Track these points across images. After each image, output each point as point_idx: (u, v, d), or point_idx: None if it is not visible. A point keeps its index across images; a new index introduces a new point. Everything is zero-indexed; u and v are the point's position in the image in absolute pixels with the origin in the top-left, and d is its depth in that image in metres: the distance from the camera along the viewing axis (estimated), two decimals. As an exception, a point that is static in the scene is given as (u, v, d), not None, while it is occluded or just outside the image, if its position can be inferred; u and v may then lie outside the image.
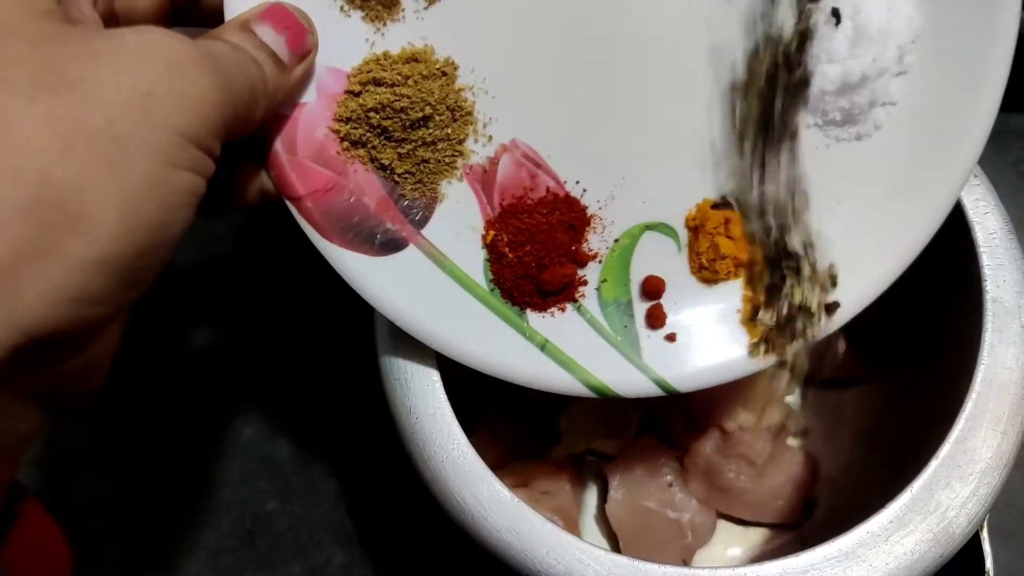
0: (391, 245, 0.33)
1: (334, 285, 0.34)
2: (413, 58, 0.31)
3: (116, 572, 0.47)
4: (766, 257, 0.35)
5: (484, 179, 0.34)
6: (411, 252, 0.33)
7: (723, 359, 0.35)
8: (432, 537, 0.46)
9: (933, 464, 0.33)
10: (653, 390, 0.34)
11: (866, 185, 0.34)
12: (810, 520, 0.45)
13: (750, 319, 0.35)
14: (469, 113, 0.33)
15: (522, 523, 0.33)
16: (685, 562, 0.44)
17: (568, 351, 0.34)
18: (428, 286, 0.33)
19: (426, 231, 0.33)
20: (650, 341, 0.35)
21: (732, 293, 0.35)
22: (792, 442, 0.45)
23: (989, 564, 0.35)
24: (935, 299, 0.41)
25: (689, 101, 0.33)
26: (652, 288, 0.35)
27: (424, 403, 0.35)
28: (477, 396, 0.48)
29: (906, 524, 0.32)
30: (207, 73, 0.24)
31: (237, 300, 0.55)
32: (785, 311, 0.34)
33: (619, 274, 0.35)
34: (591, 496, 0.47)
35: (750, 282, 0.35)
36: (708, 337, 0.35)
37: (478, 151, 0.33)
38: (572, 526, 0.44)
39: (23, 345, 0.20)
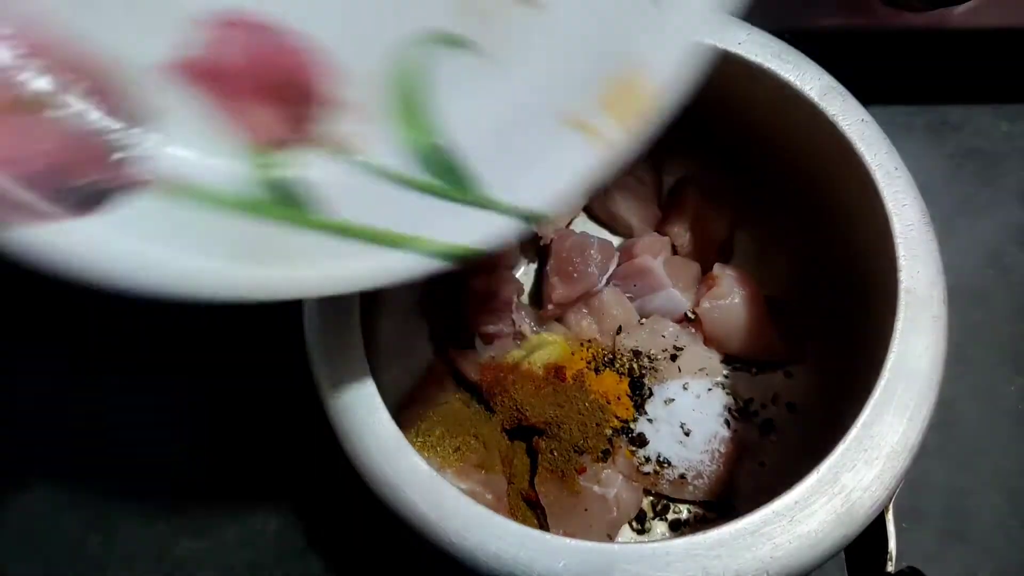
0: (94, 199, 0.24)
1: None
2: None
3: (47, 534, 0.47)
4: None
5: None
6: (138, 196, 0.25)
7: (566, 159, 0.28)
8: (366, 505, 0.47)
9: (840, 447, 0.34)
10: (517, 226, 0.28)
11: None
12: (735, 500, 0.46)
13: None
14: None
15: (438, 496, 0.34)
16: (610, 537, 0.45)
17: (378, 225, 0.28)
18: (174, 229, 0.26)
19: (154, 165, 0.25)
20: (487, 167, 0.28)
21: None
22: (718, 424, 0.46)
23: (892, 546, 0.36)
24: (855, 287, 0.42)
25: None
26: None
27: (347, 375, 0.35)
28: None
29: (810, 505, 0.34)
30: None
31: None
32: None
33: (412, 114, 0.28)
34: (523, 471, 0.48)
35: None
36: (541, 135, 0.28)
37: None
38: (500, 499, 0.44)
39: None
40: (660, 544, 0.33)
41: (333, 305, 0.36)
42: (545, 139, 0.28)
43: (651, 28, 0.27)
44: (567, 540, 0.33)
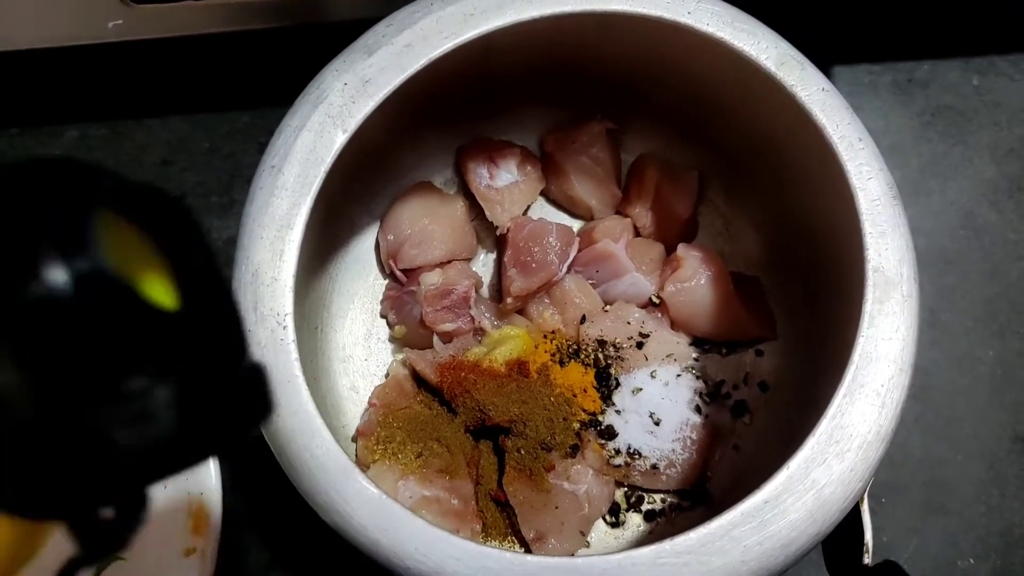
0: None
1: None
2: None
3: None
4: None
5: None
6: None
7: None
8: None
9: (810, 441, 0.33)
10: None
11: None
12: (710, 486, 0.45)
13: None
14: None
15: (390, 520, 0.32)
16: (583, 533, 0.43)
17: None
18: None
19: None
20: None
21: None
22: (688, 410, 0.45)
23: (868, 537, 0.35)
24: (823, 264, 0.40)
25: None
26: None
27: (286, 400, 0.33)
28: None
29: (781, 503, 0.32)
30: None
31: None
32: None
33: None
34: (491, 471, 0.46)
35: None
36: None
37: None
38: (467, 503, 0.43)
39: None
40: (624, 555, 0.31)
41: (265, 324, 0.33)
42: None
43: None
44: (527, 557, 0.31)
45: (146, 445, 0.17)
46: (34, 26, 0.46)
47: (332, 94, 0.36)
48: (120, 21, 0.44)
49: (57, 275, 0.15)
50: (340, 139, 0.36)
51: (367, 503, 0.32)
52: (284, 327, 0.33)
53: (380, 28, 0.37)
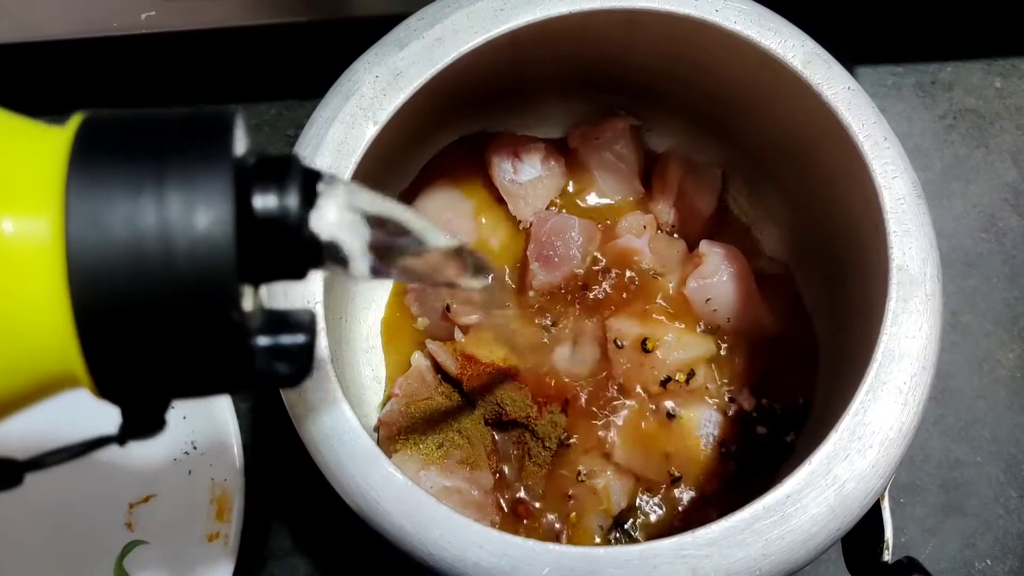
0: None
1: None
2: None
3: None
4: None
5: None
6: None
7: None
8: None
9: (832, 436, 0.33)
10: None
11: None
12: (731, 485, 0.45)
13: None
14: None
15: (415, 507, 0.32)
16: (602, 528, 0.44)
17: None
18: None
19: None
20: None
21: None
22: (711, 407, 0.45)
23: (889, 534, 0.35)
24: (847, 262, 0.40)
25: None
26: None
27: (315, 385, 0.33)
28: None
29: (802, 498, 0.32)
30: None
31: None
32: None
33: None
34: (511, 464, 0.46)
35: None
36: None
37: None
38: (487, 494, 0.43)
39: None
40: (647, 546, 0.32)
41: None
42: None
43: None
44: (549, 545, 0.32)
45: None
46: (67, 16, 0.47)
47: (364, 86, 0.36)
48: (153, 13, 0.45)
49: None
50: (371, 131, 0.36)
51: (393, 489, 0.32)
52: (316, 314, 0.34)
53: (411, 22, 0.38)
